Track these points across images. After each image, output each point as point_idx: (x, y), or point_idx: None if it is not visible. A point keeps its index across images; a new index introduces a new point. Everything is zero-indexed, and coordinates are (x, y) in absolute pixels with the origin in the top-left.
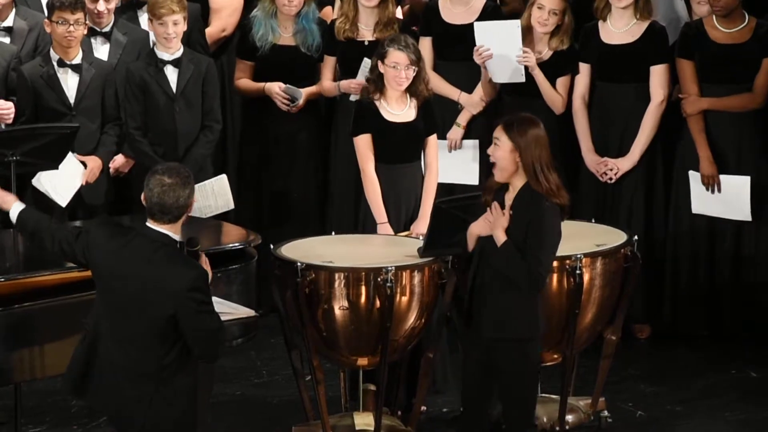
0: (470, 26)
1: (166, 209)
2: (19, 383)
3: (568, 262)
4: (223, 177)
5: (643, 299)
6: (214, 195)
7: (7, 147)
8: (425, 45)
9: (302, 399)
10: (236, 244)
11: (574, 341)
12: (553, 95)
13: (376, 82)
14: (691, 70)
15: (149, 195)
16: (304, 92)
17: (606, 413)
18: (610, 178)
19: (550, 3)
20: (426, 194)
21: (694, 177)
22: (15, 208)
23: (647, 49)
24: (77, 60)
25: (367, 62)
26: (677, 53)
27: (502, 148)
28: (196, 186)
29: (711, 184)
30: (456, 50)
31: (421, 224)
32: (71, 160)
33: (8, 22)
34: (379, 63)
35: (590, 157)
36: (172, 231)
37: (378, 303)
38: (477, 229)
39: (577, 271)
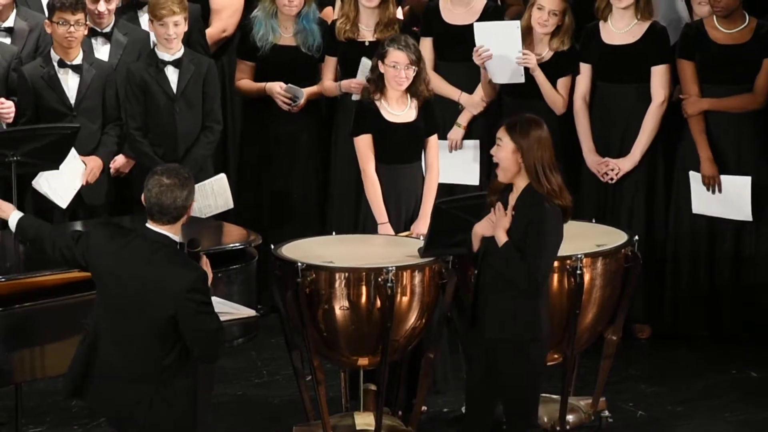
0: (471, 27)
1: (164, 210)
2: (19, 383)
3: (568, 262)
4: (223, 176)
5: (643, 299)
6: (213, 194)
7: (8, 147)
8: (426, 45)
9: (303, 399)
10: (237, 244)
11: (574, 341)
12: (553, 96)
13: (377, 82)
14: (692, 71)
15: (148, 195)
16: (305, 92)
17: (606, 413)
18: (611, 179)
19: (550, 4)
20: (426, 194)
21: (694, 177)
22: (14, 216)
23: (648, 50)
24: (78, 60)
25: (365, 62)
26: (678, 54)
27: (505, 149)
28: (196, 186)
29: (712, 184)
30: (456, 51)
31: (422, 224)
32: (72, 159)
33: (9, 22)
34: (380, 63)
35: (591, 158)
36: (172, 232)
37: (378, 303)
38: (481, 229)
39: (578, 272)
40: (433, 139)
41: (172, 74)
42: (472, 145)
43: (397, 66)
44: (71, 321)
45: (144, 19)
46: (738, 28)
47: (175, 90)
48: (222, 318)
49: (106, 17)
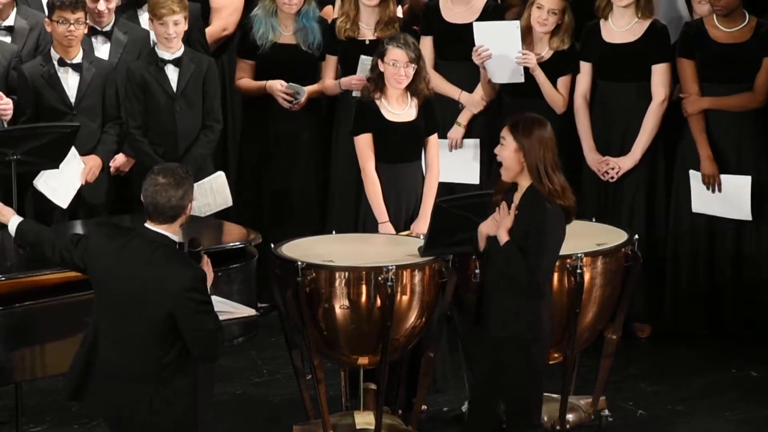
0: (471, 25)
1: (159, 209)
2: (20, 382)
3: (568, 261)
4: (221, 174)
5: (643, 298)
6: (212, 193)
7: (8, 146)
8: (426, 44)
9: (303, 398)
10: (237, 243)
11: (574, 340)
12: (554, 95)
13: (377, 81)
14: (692, 70)
15: (144, 195)
16: (305, 90)
17: (607, 412)
18: (612, 177)
19: (549, 2)
20: (427, 194)
21: (694, 176)
22: (14, 221)
23: (649, 48)
24: (78, 59)
25: (364, 59)
26: (678, 53)
27: (507, 148)
28: (194, 185)
29: (712, 183)
30: (457, 49)
31: (422, 224)
32: (72, 158)
33: (9, 21)
34: (379, 61)
35: (592, 156)
36: (170, 231)
37: (379, 302)
38: (485, 228)
39: (578, 271)
40: (434, 138)
41: (172, 73)
42: (473, 144)
43: (397, 64)
44: (72, 320)
45: (144, 18)
46: (738, 27)
47: (175, 89)
48: (222, 317)
49: (106, 16)
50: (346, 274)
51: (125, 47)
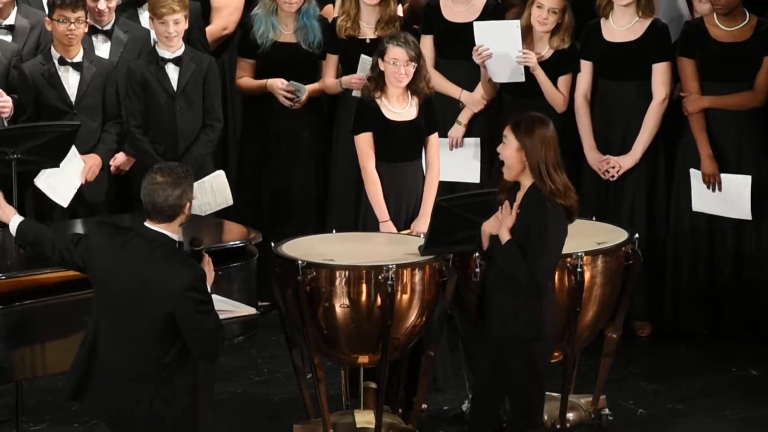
0: (471, 24)
1: (156, 208)
2: (20, 381)
3: (569, 260)
4: (221, 173)
5: (644, 297)
6: (212, 192)
7: (8, 145)
8: (426, 43)
9: (303, 397)
10: (237, 242)
11: (575, 339)
12: (554, 94)
13: (377, 80)
14: (692, 69)
15: (143, 194)
16: (306, 89)
17: (607, 411)
18: (612, 176)
19: (549, 2)
20: (427, 193)
21: (695, 175)
22: (14, 220)
23: (649, 47)
24: (78, 58)
25: (365, 58)
26: (678, 51)
27: (509, 147)
28: (195, 183)
29: (712, 182)
30: (457, 48)
31: (422, 223)
32: (72, 157)
33: (10, 20)
34: (380, 60)
35: (592, 155)
36: (170, 230)
37: (379, 301)
38: (488, 227)
39: (578, 269)
40: (434, 137)
41: (172, 72)
42: (473, 143)
43: (397, 62)
44: (72, 318)
45: (144, 17)
46: (738, 26)
47: (175, 88)
48: (222, 316)
49: (106, 15)
50: (347, 273)
51: (126, 46)
